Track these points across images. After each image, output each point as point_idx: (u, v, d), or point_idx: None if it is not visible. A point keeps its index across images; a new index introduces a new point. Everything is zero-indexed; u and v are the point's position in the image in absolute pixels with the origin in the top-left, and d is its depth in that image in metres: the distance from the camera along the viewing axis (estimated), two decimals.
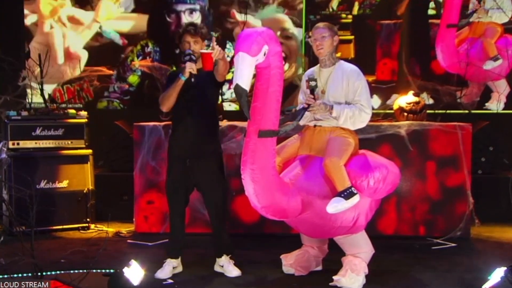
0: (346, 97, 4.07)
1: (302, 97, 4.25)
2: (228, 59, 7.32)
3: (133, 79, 7.57)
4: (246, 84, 3.47)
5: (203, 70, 4.11)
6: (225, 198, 4.48)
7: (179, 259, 4.40)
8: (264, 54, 3.55)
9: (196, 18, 7.49)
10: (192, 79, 4.11)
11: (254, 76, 3.66)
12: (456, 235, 5.37)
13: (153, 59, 7.44)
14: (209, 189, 4.32)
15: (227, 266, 4.36)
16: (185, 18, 7.43)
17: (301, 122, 4.11)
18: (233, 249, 4.45)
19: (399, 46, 7.34)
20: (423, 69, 7.23)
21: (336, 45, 4.18)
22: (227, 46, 7.47)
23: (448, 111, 6.18)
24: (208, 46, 4.36)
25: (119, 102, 7.60)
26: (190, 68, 4.06)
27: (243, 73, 3.48)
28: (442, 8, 7.10)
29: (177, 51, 7.13)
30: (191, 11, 7.55)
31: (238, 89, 3.47)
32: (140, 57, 7.53)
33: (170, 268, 4.30)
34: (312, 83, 4.01)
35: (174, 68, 6.80)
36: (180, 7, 7.56)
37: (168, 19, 7.54)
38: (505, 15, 7.04)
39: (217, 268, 4.43)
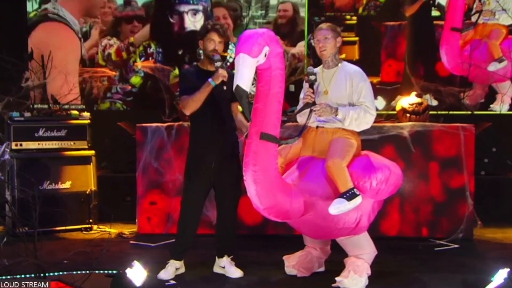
0: (349, 98, 4.06)
1: (303, 96, 4.21)
2: (231, 60, 7.39)
3: (135, 80, 7.57)
4: (246, 86, 3.46)
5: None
6: (239, 199, 4.47)
7: (182, 261, 4.39)
8: (265, 55, 3.54)
9: (199, 19, 7.48)
10: (224, 87, 4.12)
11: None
12: (459, 237, 5.36)
13: (155, 60, 7.44)
14: (228, 189, 4.31)
15: (229, 268, 4.34)
16: (188, 19, 7.42)
17: (300, 120, 4.10)
18: (235, 250, 4.44)
19: (406, 47, 7.31)
20: (427, 71, 7.20)
21: (339, 46, 4.17)
22: (230, 47, 7.46)
23: (450, 112, 6.17)
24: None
25: (122, 103, 7.60)
26: (223, 76, 4.05)
27: (244, 74, 3.47)
28: (446, 10, 7.07)
29: (180, 52, 7.13)
30: (194, 12, 7.54)
31: (238, 91, 3.46)
32: (143, 58, 7.52)
33: (173, 269, 4.30)
34: (312, 77, 3.97)
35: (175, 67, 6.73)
36: (183, 8, 7.55)
37: (171, 20, 7.53)
38: (510, 16, 7.03)
39: (216, 269, 4.42)
